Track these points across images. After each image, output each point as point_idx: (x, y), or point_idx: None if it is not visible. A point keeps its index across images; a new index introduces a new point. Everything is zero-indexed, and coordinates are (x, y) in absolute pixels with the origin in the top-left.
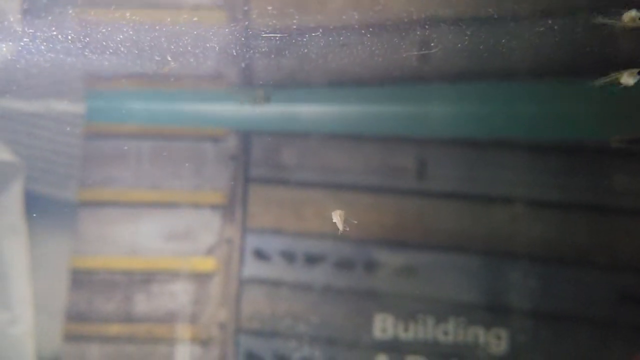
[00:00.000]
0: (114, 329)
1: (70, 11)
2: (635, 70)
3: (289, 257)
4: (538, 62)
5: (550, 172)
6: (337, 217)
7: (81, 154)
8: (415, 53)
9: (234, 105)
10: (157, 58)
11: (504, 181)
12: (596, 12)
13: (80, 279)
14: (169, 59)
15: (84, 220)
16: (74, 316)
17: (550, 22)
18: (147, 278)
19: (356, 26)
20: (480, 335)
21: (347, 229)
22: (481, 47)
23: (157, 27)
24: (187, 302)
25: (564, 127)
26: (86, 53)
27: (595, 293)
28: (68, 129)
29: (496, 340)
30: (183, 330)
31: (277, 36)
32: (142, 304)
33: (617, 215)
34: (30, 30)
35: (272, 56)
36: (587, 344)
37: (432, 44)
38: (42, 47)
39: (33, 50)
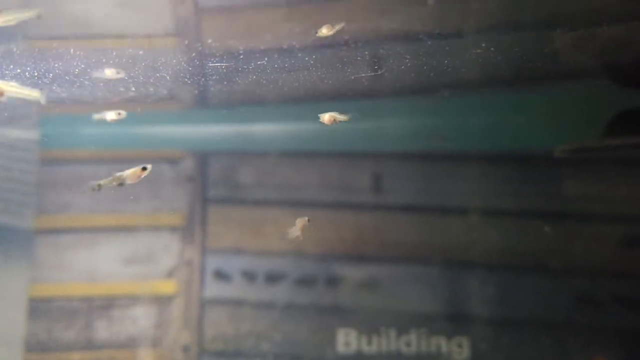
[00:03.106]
0: (75, 357)
1: (24, 42)
2: None
3: (249, 276)
4: (486, 75)
5: (503, 182)
6: (298, 226)
7: (36, 180)
8: (366, 74)
9: (190, 126)
10: (121, 88)
11: (458, 192)
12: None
13: (39, 307)
14: (133, 88)
15: (41, 248)
16: (34, 346)
17: (495, 36)
18: (107, 304)
19: (307, 46)
20: (442, 344)
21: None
22: (430, 62)
23: (111, 55)
24: (149, 326)
25: (514, 137)
26: (40, 86)
27: (552, 298)
28: (22, 156)
29: (458, 349)
30: (146, 355)
31: (230, 58)
32: (103, 330)
33: (570, 221)
34: None
35: (226, 77)
36: (547, 348)
37: (382, 61)
38: None
39: None
